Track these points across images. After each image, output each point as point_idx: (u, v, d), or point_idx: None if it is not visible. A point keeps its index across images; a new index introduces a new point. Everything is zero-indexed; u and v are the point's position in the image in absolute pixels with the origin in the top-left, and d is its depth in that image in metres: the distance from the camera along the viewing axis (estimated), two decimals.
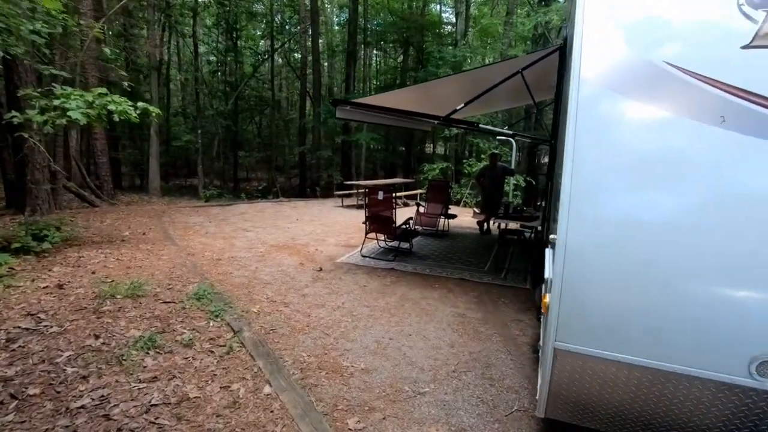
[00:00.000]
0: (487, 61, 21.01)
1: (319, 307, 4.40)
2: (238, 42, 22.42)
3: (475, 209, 11.30)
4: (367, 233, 6.73)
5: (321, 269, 5.80)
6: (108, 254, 5.49)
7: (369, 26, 19.79)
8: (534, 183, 13.96)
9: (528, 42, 15.92)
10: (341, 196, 12.74)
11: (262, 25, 24.34)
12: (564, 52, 3.89)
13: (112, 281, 4.38)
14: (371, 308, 4.45)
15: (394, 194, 6.28)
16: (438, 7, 26.53)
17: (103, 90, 5.30)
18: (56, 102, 4.95)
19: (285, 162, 26.56)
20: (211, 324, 3.50)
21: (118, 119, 5.25)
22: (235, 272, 5.41)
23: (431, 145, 29.55)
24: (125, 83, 7.13)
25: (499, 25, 14.99)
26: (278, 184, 22.68)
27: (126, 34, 14.04)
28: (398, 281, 5.47)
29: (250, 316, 3.95)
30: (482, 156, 13.62)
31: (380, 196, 6.34)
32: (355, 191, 12.54)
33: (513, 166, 9.64)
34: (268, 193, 17.65)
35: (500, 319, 4.35)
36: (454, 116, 5.49)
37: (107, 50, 7.42)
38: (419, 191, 13.57)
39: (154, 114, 5.65)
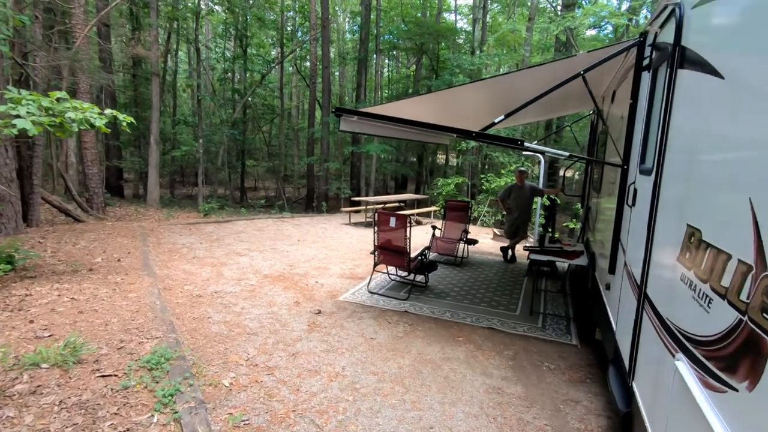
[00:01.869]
0: (502, 70, 20.08)
1: (313, 374, 3.40)
2: (248, 49, 21.83)
3: (495, 230, 10.25)
4: (376, 265, 5.73)
5: (320, 311, 4.81)
6: (64, 291, 4.57)
7: (382, 32, 19.00)
8: (558, 201, 12.89)
9: (551, 49, 14.94)
10: (349, 213, 11.79)
11: (272, 33, 23.77)
12: (642, 47, 2.90)
13: (50, 336, 3.44)
14: (379, 377, 3.43)
15: (408, 219, 5.29)
16: (452, 16, 25.78)
17: (63, 94, 4.42)
18: (1, 108, 4.08)
19: (294, 172, 25.78)
20: (156, 419, 2.51)
21: (78, 129, 4.35)
22: (215, 316, 4.44)
23: (444, 156, 28.54)
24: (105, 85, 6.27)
25: (523, 30, 14.02)
26: (286, 194, 21.87)
27: (126, 39, 13.38)
28: (413, 330, 4.45)
29: (218, 394, 2.96)
30: (502, 171, 12.60)
31: (392, 222, 5.35)
32: (364, 207, 11.58)
33: (541, 185, 8.60)
34: (272, 207, 16.78)
35: (549, 396, 3.31)
36: (476, 130, 4.51)
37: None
38: (432, 208, 12.56)
39: (125, 123, 4.75)
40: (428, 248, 5.91)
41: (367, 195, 17.08)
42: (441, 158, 28.64)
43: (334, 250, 8.01)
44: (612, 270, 3.13)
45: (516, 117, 7.32)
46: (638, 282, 2.22)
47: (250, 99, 21.22)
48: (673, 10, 2.04)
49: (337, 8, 25.79)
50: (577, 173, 13.66)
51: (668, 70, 2.04)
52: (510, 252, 7.83)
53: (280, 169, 23.07)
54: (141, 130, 18.24)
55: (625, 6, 16.40)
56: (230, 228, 9.63)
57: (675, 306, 1.65)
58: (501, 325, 4.70)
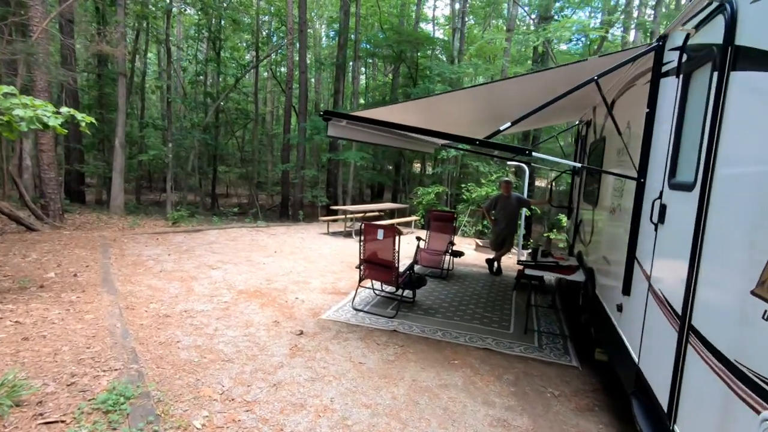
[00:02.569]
0: (479, 80, 20.18)
1: (298, 409, 3.01)
2: (221, 52, 21.17)
3: (477, 241, 10.07)
4: (361, 279, 5.38)
5: (302, 332, 4.41)
6: (7, 313, 4.00)
7: (360, 38, 18.74)
8: (537, 212, 12.89)
9: (529, 61, 15.09)
10: (327, 222, 11.38)
11: (246, 36, 23.21)
12: (661, 52, 2.71)
13: None
14: (373, 410, 3.08)
15: (396, 232, 4.98)
16: (429, 26, 25.88)
17: (11, 89, 3.90)
18: None
19: (267, 179, 25.11)
20: None
21: (27, 128, 3.84)
22: (185, 339, 3.98)
23: (419, 164, 28.44)
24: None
25: (502, 40, 14.07)
26: (259, 201, 21.17)
27: (90, 36, 12.61)
28: (404, 353, 4.11)
29: None
30: (482, 181, 12.49)
31: (380, 234, 5.02)
32: (343, 216, 11.21)
33: (525, 195, 8.45)
34: (245, 215, 16.14)
35: (558, 428, 3.03)
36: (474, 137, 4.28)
37: None
38: (413, 218, 12.31)
39: (84, 123, 4.25)
40: (416, 262, 5.60)
41: (344, 203, 16.69)
42: (417, 167, 28.52)
43: (313, 263, 7.60)
44: (626, 290, 2.90)
45: (498, 124, 7.15)
46: (677, 311, 1.98)
47: (223, 103, 20.54)
48: (719, 8, 1.82)
49: (313, 14, 25.46)
50: (552, 183, 13.71)
51: (714, 73, 1.82)
52: (496, 264, 7.63)
53: (253, 176, 22.35)
54: (106, 132, 17.33)
55: (594, 22, 16.79)
56: (201, 238, 9.06)
57: (755, 350, 1.40)
58: (496, 345, 4.43)
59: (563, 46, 18.78)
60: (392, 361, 3.93)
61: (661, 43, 2.68)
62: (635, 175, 2.86)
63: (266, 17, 23.21)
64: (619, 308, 3.07)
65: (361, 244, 5.19)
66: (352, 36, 17.86)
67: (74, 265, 5.99)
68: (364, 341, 4.32)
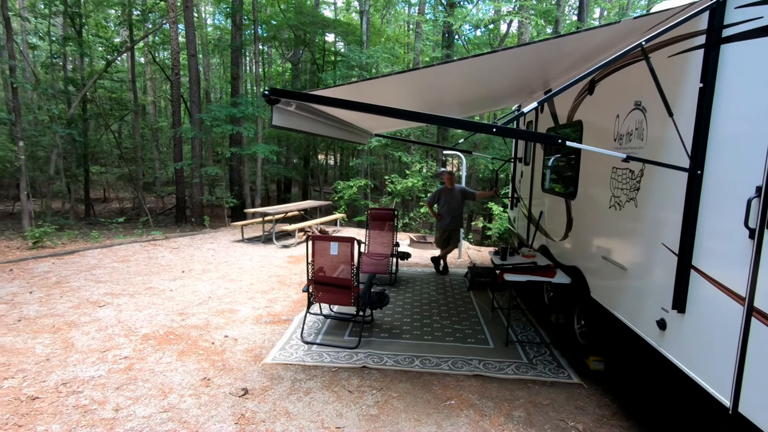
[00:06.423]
0: (395, 67, 19.63)
1: None
2: (83, 30, 17.63)
3: (411, 236, 9.50)
4: (310, 305, 4.36)
5: (246, 391, 3.30)
6: None
7: (259, 18, 16.85)
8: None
9: (440, 47, 14.88)
10: (241, 227, 9.88)
11: (114, 13, 19.78)
12: (720, 13, 2.18)
13: None
14: None
15: (357, 244, 4.04)
16: (327, 12, 24.63)
17: None
18: None
19: (156, 179, 21.87)
20: None
21: None
22: None
23: (323, 156, 27.14)
24: None
25: (417, 21, 13.54)
26: (147, 204, 18.21)
27: None
28: (387, 399, 3.25)
29: None
30: (406, 172, 11.94)
31: (334, 249, 4.04)
32: (260, 219, 9.82)
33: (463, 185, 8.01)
34: (131, 221, 13.64)
35: None
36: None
37: None
38: (338, 215, 11.34)
39: None
40: (375, 274, 4.73)
41: (253, 203, 15.02)
42: (322, 158, 27.14)
43: (235, 281, 6.28)
44: (680, 306, 2.38)
45: (444, 110, 6.49)
46: None
47: (91, 91, 17.10)
48: None
49: None
50: (497, 173, 13.75)
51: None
52: (442, 262, 7.07)
53: (138, 177, 19.18)
54: None
55: (490, 12, 17.27)
56: (78, 262, 7.08)
57: None
58: (486, 368, 3.78)
59: (471, 34, 19.17)
60: (377, 415, 3.05)
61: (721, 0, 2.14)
62: (682, 163, 2.34)
63: None
64: (662, 325, 2.57)
65: (310, 262, 4.15)
66: (251, 16, 15.99)
67: None
68: (331, 390, 3.36)
